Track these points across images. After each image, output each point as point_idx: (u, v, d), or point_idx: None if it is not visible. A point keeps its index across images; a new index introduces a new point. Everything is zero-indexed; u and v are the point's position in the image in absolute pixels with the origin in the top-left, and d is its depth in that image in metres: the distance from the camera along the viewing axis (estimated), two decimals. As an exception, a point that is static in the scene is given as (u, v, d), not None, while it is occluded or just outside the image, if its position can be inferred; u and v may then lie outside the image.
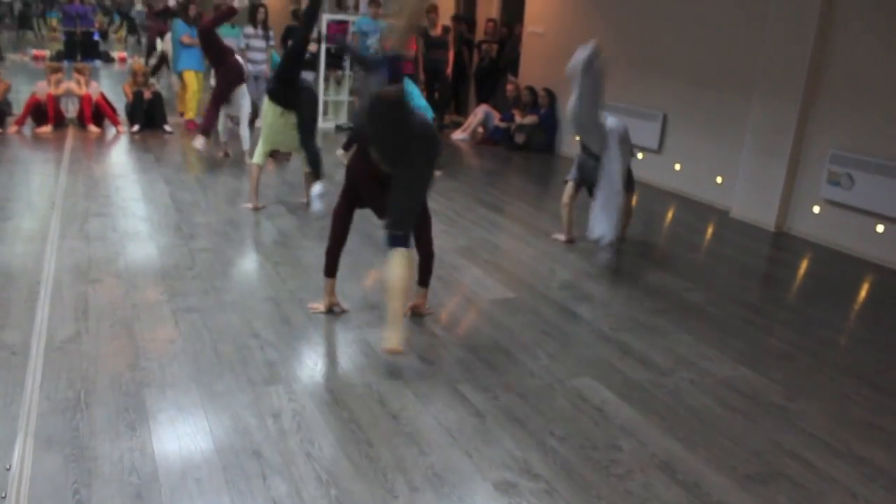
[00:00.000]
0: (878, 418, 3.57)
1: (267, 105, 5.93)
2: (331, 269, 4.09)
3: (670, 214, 7.41)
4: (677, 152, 8.32)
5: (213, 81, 8.98)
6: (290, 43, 7.96)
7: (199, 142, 7.36)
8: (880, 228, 6.28)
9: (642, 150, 8.71)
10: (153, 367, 3.43)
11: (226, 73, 7.75)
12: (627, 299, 4.84)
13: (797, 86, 6.72)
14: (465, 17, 12.14)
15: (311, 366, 3.60)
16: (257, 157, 6.05)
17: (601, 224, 5.15)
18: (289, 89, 5.88)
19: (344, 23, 10.47)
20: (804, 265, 6.12)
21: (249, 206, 6.08)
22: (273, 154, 6.13)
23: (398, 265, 3.53)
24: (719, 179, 7.78)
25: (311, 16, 6.45)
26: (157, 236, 5.26)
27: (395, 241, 3.55)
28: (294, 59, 6.02)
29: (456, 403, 3.35)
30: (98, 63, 16.08)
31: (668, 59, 8.30)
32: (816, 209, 6.78)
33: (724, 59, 7.61)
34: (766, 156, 7.08)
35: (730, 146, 7.60)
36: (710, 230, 6.94)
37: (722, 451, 3.16)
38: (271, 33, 10.07)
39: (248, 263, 4.90)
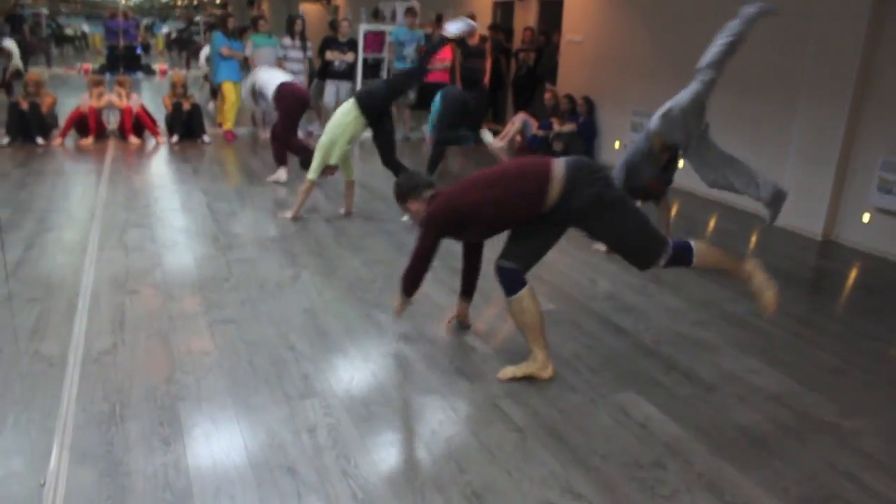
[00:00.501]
0: (937, 438, 3.41)
1: (353, 119, 5.92)
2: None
3: (713, 223, 7.24)
4: (719, 160, 8.12)
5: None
6: (402, 71, 8.01)
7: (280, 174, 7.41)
8: (934, 238, 6.08)
9: (682, 157, 8.54)
10: (188, 380, 3.40)
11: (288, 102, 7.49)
12: (670, 311, 4.71)
13: (845, 91, 6.53)
14: (503, 26, 12.08)
15: (347, 379, 3.53)
16: (313, 173, 5.99)
17: (754, 185, 5.45)
18: (383, 110, 6.09)
19: (381, 33, 10.46)
20: (853, 275, 5.92)
21: (288, 216, 6.07)
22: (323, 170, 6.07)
23: (527, 303, 3.58)
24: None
25: (427, 53, 6.58)
26: (194, 247, 5.27)
27: (513, 285, 3.58)
28: (398, 87, 6.31)
29: (495, 419, 3.26)
30: (140, 75, 16.34)
31: (709, 65, 8.14)
32: (866, 217, 6.57)
33: (767, 65, 7.43)
34: (812, 163, 6.89)
35: (773, 153, 7.41)
36: (754, 239, 6.77)
37: (773, 472, 3.03)
38: (308, 44, 10.10)
39: (285, 274, 4.86)
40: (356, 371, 3.62)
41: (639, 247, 3.65)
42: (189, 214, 6.09)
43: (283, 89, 7.37)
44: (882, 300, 5.30)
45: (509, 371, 3.65)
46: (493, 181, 3.60)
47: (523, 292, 3.58)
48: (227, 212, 6.22)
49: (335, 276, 4.86)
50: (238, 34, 9.81)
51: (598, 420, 3.33)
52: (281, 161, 7.50)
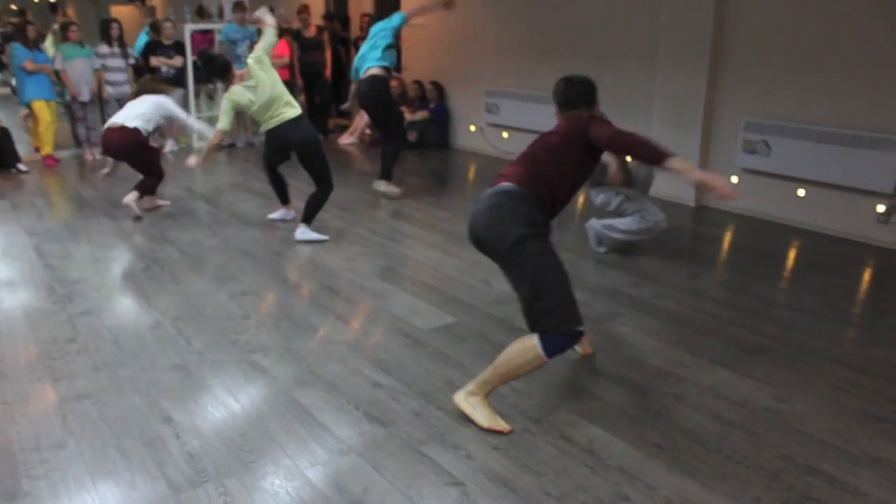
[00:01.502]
0: (875, 407, 3.27)
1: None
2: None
3: (580, 201, 7.05)
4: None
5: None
6: None
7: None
8: (801, 192, 6.13)
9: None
10: (41, 489, 2.70)
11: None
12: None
13: (702, 56, 6.48)
14: (338, 14, 11.48)
15: (241, 450, 2.94)
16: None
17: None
18: None
19: (209, 32, 9.62)
20: (736, 240, 5.89)
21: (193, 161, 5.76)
22: None
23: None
24: (628, 158, 7.47)
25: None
26: (25, 304, 4.43)
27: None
28: None
29: (425, 471, 2.80)
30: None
31: (562, 41, 7.96)
32: (735, 179, 6.57)
33: (622, 35, 7.32)
34: (677, 130, 6.82)
35: (637, 124, 7.28)
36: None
37: (738, 481, 2.75)
38: (129, 50, 9.12)
39: (142, 323, 4.14)
40: (251, 439, 3.03)
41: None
42: (13, 263, 5.17)
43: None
44: (771, 264, 5.25)
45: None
46: None
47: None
48: (60, 254, 5.35)
49: (201, 317, 4.20)
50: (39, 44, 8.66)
51: (540, 452, 2.93)
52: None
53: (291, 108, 5.51)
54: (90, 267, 5.06)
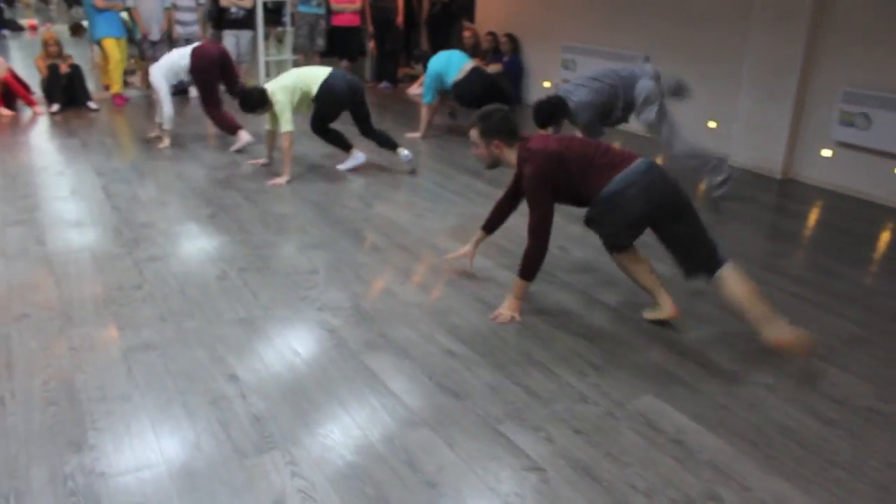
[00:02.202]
0: None
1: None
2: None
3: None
4: (662, 97, 7.60)
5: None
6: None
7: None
8: (901, 170, 5.73)
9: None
10: (105, 443, 2.61)
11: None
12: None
13: (801, 18, 6.04)
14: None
15: (310, 418, 2.81)
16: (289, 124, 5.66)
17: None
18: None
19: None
20: (828, 218, 5.53)
21: (281, 181, 5.66)
22: None
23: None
24: (713, 124, 7.12)
25: None
26: (93, 246, 4.36)
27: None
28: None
29: (503, 452, 2.63)
30: (6, 33, 14.60)
31: (648, -5, 7.54)
32: (827, 153, 6.18)
33: (713, -10, 6.89)
34: (767, 97, 6.43)
35: (724, 87, 6.92)
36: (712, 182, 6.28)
37: (840, 489, 2.52)
38: (201, -11, 8.97)
39: (208, 273, 4.04)
40: (318, 404, 2.90)
41: None
42: (82, 203, 5.12)
43: (193, 57, 6.59)
44: (867, 247, 4.91)
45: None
46: None
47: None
48: (128, 196, 5.28)
49: (268, 270, 4.08)
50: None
51: (624, 439, 2.74)
52: (231, 130, 6.68)
53: (321, 75, 5.79)
54: (157, 210, 4.98)
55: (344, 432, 2.71)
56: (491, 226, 3.96)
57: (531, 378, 3.10)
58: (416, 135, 7.32)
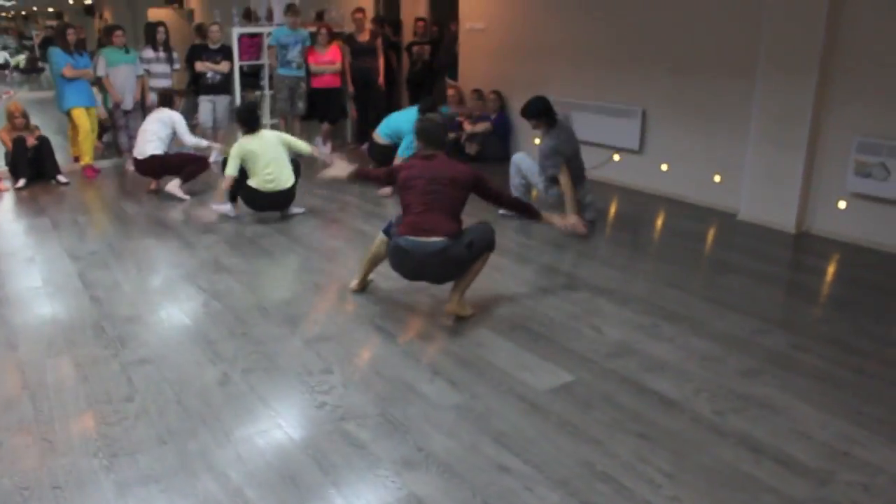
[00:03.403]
0: None
1: None
2: None
3: (666, 222, 6.43)
4: (663, 151, 7.35)
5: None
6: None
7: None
8: (924, 222, 5.46)
9: (619, 151, 7.73)
10: None
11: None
12: (706, 360, 3.77)
13: (810, 66, 5.81)
14: (389, 18, 10.91)
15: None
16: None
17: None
18: None
19: (257, 36, 9.08)
20: (849, 272, 5.24)
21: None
22: None
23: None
24: (718, 178, 6.84)
25: None
26: (73, 349, 3.86)
27: None
28: None
29: None
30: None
31: (641, 46, 7.32)
32: (842, 204, 5.90)
33: (712, 41, 6.66)
34: (777, 148, 6.16)
35: (728, 140, 6.67)
36: (722, 238, 5.99)
37: None
38: (175, 55, 8.60)
39: (208, 377, 3.56)
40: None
41: None
42: (57, 295, 4.63)
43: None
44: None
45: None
46: None
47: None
48: (108, 284, 4.80)
49: (276, 371, 3.61)
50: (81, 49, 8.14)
51: (726, 575, 2.31)
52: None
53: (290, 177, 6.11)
54: (142, 301, 4.50)
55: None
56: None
57: (601, 495, 2.67)
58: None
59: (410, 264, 4.00)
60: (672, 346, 3.92)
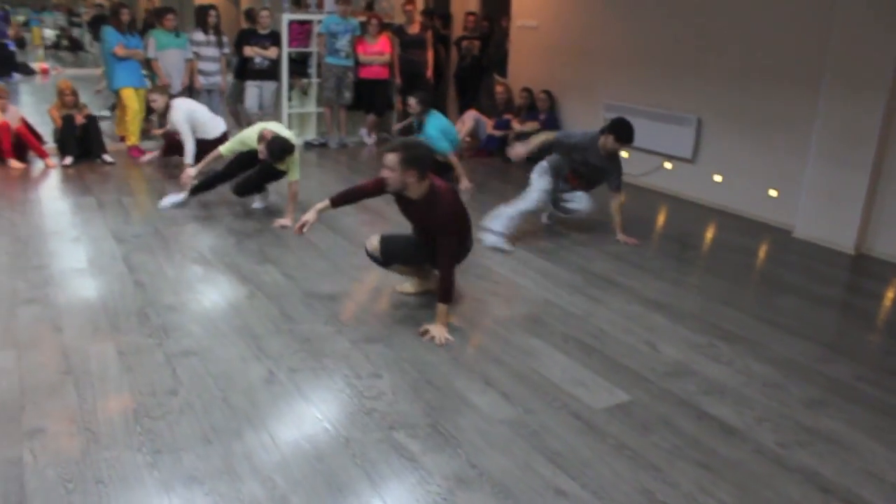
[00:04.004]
0: None
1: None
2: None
3: (717, 235, 6.24)
4: (717, 161, 7.15)
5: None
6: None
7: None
8: None
9: (671, 159, 7.54)
10: None
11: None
12: (768, 387, 3.61)
13: (880, 83, 5.59)
14: (439, 11, 10.78)
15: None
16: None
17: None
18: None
19: (307, 23, 9.00)
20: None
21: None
22: None
23: None
24: (774, 193, 6.64)
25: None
26: (116, 335, 3.80)
27: None
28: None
29: None
30: (16, 77, 14.17)
31: (700, 52, 7.12)
32: (908, 227, 5.69)
33: (776, 50, 6.45)
34: (839, 166, 5.95)
35: (787, 153, 6.46)
36: (777, 256, 5.79)
37: None
38: (224, 39, 8.55)
39: (253, 372, 3.47)
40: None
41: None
42: (102, 277, 4.58)
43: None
44: None
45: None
46: None
47: None
48: (153, 269, 4.74)
49: (324, 372, 3.51)
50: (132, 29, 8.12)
51: None
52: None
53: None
54: (186, 289, 4.43)
55: None
56: (340, 203, 4.13)
57: (659, 527, 2.54)
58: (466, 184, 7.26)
59: None
60: (731, 370, 3.76)
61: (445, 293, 3.89)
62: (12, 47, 14.89)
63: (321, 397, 3.27)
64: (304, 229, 4.07)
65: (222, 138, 6.84)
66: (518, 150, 5.64)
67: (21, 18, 25.11)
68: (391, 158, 3.73)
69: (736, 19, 6.74)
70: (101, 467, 2.71)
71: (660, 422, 3.22)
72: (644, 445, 3.03)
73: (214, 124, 7.11)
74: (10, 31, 15.82)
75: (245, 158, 5.91)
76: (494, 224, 5.50)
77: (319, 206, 4.09)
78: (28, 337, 3.72)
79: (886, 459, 3.04)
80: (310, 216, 4.05)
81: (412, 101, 7.36)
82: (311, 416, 3.12)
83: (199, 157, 6.47)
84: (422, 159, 3.77)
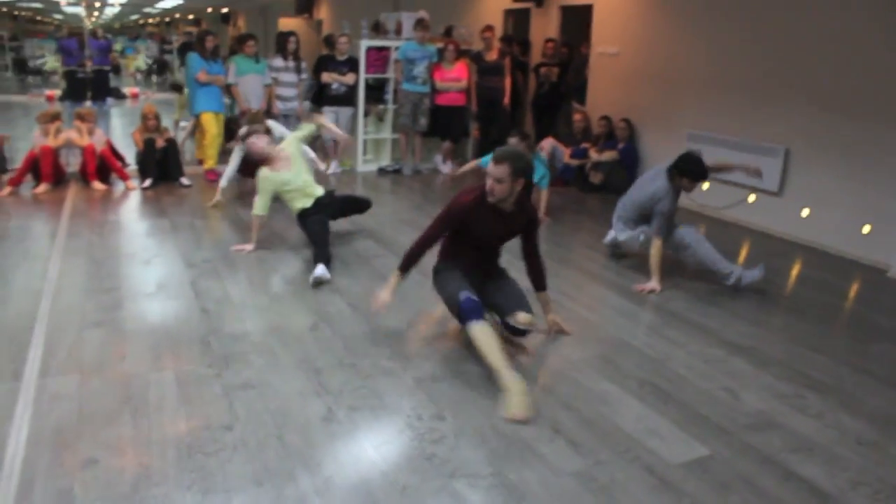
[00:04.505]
0: None
1: None
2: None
3: (804, 272, 5.88)
4: (804, 194, 6.79)
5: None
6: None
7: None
8: None
9: (756, 191, 7.20)
10: None
11: None
12: (863, 445, 3.30)
13: None
14: (517, 37, 10.68)
15: None
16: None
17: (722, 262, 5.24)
18: None
19: (385, 50, 9.02)
20: None
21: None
22: None
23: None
24: (866, 229, 6.24)
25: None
26: (177, 363, 3.76)
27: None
28: None
29: None
30: (109, 102, 14.69)
31: (788, 80, 6.80)
32: None
33: (870, 79, 6.09)
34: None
35: (881, 188, 6.08)
36: (870, 297, 5.40)
37: None
38: (303, 65, 8.64)
39: (311, 409, 3.36)
40: None
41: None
42: (169, 302, 4.58)
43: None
44: None
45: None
46: None
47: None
48: (219, 295, 4.72)
49: (384, 412, 3.38)
50: (215, 55, 8.29)
51: None
52: None
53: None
54: (250, 317, 4.38)
55: None
56: (409, 267, 4.07)
57: None
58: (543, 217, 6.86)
59: None
60: (820, 424, 3.47)
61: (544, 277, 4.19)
62: (109, 72, 15.48)
63: (380, 438, 3.13)
64: (382, 311, 4.09)
65: None
66: (647, 287, 5.13)
67: (118, 47, 26.26)
68: (502, 170, 3.71)
69: (826, 42, 6.41)
70: (149, 507, 2.62)
71: (741, 481, 2.97)
72: (723, 507, 2.78)
73: None
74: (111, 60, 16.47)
75: (323, 204, 5.69)
76: (725, 266, 5.23)
77: (392, 281, 4.02)
78: (92, 361, 3.71)
79: None
80: (385, 297, 3.97)
81: (512, 140, 6.93)
82: (367, 458, 2.98)
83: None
84: (529, 168, 3.83)
